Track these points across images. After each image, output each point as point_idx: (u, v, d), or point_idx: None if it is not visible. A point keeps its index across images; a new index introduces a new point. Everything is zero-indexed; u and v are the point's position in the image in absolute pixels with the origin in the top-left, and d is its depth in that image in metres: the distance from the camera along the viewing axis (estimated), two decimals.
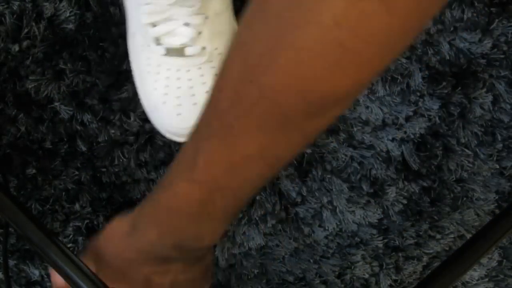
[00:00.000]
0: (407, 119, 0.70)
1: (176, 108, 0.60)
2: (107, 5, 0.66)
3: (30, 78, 0.66)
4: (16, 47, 0.65)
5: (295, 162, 0.68)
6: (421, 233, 0.71)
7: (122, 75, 0.66)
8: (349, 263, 0.71)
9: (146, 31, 0.60)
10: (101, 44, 0.66)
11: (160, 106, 0.61)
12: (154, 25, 0.59)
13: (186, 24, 0.59)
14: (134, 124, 0.67)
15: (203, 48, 0.60)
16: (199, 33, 0.59)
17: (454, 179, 0.72)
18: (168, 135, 0.63)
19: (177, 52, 0.60)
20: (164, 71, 0.61)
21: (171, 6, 0.57)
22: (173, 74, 0.60)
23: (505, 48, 0.71)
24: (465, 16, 0.70)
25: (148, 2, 0.58)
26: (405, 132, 0.70)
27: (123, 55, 0.66)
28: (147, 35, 0.60)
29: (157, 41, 0.60)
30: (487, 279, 0.74)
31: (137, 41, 0.62)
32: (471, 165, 0.71)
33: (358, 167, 0.69)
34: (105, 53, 0.66)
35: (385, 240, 0.71)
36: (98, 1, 0.66)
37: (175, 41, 0.59)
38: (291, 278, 0.70)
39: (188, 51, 0.60)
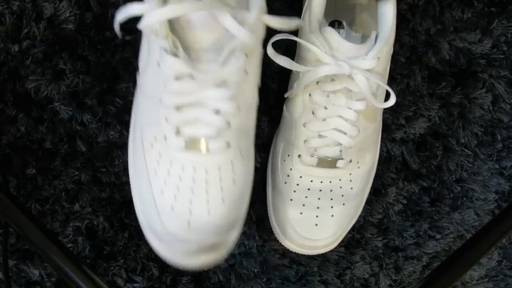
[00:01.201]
0: (407, 119, 0.70)
1: (186, 215, 0.51)
2: (107, 6, 0.66)
3: (30, 78, 0.66)
4: (16, 47, 0.65)
5: None
6: (421, 233, 0.71)
7: (117, 80, 0.66)
8: (348, 263, 0.71)
9: (166, 117, 0.51)
10: (98, 47, 0.66)
11: (167, 212, 0.52)
12: (178, 108, 0.50)
13: (216, 112, 0.50)
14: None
15: (228, 144, 0.52)
16: (228, 123, 0.51)
17: (454, 179, 0.72)
18: (168, 252, 0.51)
19: (197, 146, 0.51)
20: (177, 170, 0.51)
21: (207, 85, 0.49)
22: (188, 174, 0.51)
23: (505, 48, 0.71)
24: (465, 16, 0.70)
25: (179, 77, 0.49)
26: (405, 132, 0.70)
27: (119, 61, 0.66)
28: (166, 123, 0.51)
29: (177, 131, 0.51)
30: (486, 279, 0.74)
31: (148, 133, 0.54)
32: (471, 165, 0.72)
33: None
34: (101, 58, 0.66)
35: (385, 240, 0.71)
36: (98, 2, 0.66)
37: (199, 132, 0.50)
38: (291, 278, 0.70)
39: (211, 145, 0.51)
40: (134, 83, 0.67)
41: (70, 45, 0.66)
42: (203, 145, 0.51)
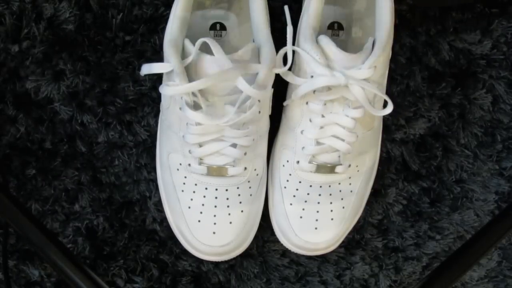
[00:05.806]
0: (407, 119, 0.70)
1: (211, 227, 0.60)
2: (107, 6, 0.66)
3: (30, 78, 0.66)
4: (16, 48, 0.65)
5: None
6: (420, 233, 0.71)
7: (117, 81, 0.66)
8: (348, 263, 0.71)
9: (189, 151, 0.59)
10: (98, 47, 0.66)
11: (194, 224, 0.61)
12: (200, 145, 0.58)
13: (234, 145, 0.58)
14: (132, 131, 0.67)
15: (245, 168, 0.60)
16: (244, 154, 0.59)
17: (454, 179, 0.72)
18: (198, 254, 0.61)
19: (218, 171, 0.59)
20: (201, 190, 0.60)
21: (224, 128, 0.57)
22: (211, 193, 0.60)
23: (504, 49, 0.71)
24: (464, 17, 0.70)
25: (200, 122, 0.56)
26: (405, 133, 0.70)
27: (119, 61, 0.66)
28: (189, 155, 0.59)
29: (200, 161, 0.59)
30: (486, 280, 0.74)
31: (173, 160, 0.61)
32: (470, 166, 0.72)
33: None
34: (101, 58, 0.66)
35: (385, 241, 0.71)
36: (98, 2, 0.66)
37: (219, 161, 0.59)
38: (291, 278, 0.70)
39: (230, 171, 0.59)
40: (133, 83, 0.67)
41: (70, 46, 0.66)
42: (223, 171, 0.59)
